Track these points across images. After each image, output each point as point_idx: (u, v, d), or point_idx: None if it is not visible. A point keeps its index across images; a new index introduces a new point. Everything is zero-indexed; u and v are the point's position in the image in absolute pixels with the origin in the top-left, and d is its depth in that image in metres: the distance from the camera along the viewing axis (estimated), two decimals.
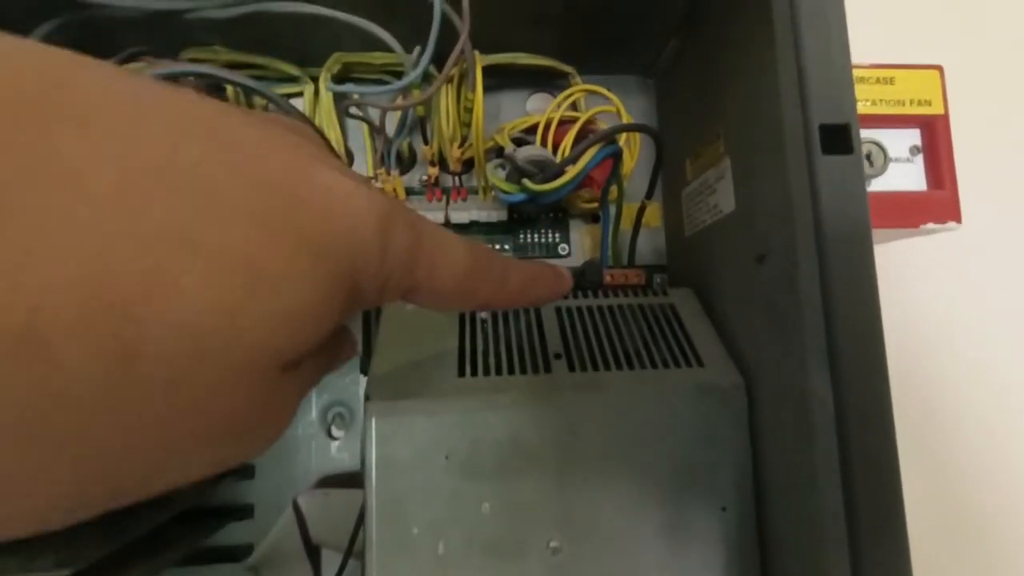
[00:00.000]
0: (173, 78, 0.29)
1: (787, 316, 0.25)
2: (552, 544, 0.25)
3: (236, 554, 0.35)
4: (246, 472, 0.36)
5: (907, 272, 0.53)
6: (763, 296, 0.27)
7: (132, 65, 0.32)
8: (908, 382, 0.51)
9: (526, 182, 0.33)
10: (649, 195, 0.37)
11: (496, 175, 0.35)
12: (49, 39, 0.31)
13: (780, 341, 0.26)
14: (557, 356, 0.29)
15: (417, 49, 0.33)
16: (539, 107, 0.41)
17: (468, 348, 0.29)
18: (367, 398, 0.26)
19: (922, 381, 0.51)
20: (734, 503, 0.26)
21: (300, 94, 0.37)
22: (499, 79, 0.40)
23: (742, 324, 0.30)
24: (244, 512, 0.35)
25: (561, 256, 0.40)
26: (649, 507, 0.26)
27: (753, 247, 0.28)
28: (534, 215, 0.40)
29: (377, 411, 0.26)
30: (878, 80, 0.38)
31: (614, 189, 0.37)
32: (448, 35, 0.31)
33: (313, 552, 0.33)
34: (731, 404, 0.28)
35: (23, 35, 0.11)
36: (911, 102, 0.38)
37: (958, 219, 0.37)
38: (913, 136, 0.39)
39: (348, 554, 0.32)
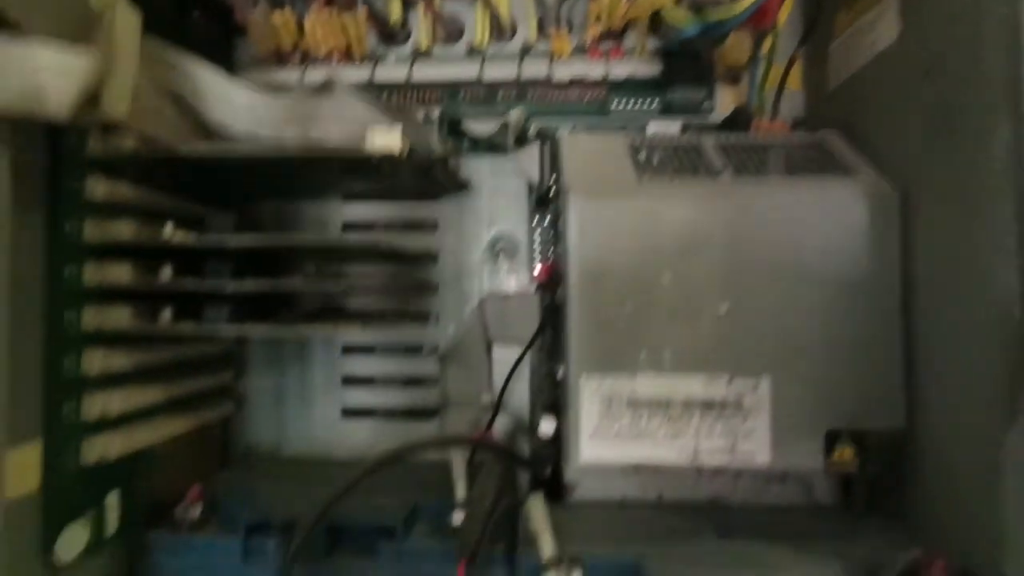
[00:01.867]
0: None
1: (959, 117, 0.27)
2: (721, 311, 0.31)
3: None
4: (432, 288, 0.43)
5: None
6: (929, 108, 0.30)
7: None
8: None
9: (704, 12, 0.36)
10: (804, 41, 0.39)
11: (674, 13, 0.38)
12: None
13: (947, 149, 0.28)
14: (723, 167, 0.33)
15: None
16: None
17: (643, 159, 0.34)
18: (566, 191, 0.31)
19: None
20: (885, 294, 0.30)
21: None
22: None
23: (895, 144, 0.33)
24: (430, 318, 0.43)
25: (704, 112, 0.43)
26: (805, 287, 0.30)
27: (920, 65, 0.30)
28: (688, 69, 0.42)
29: (576, 200, 0.31)
30: None
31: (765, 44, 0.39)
32: None
33: (488, 347, 0.40)
34: (885, 208, 0.31)
35: None
36: None
37: None
38: None
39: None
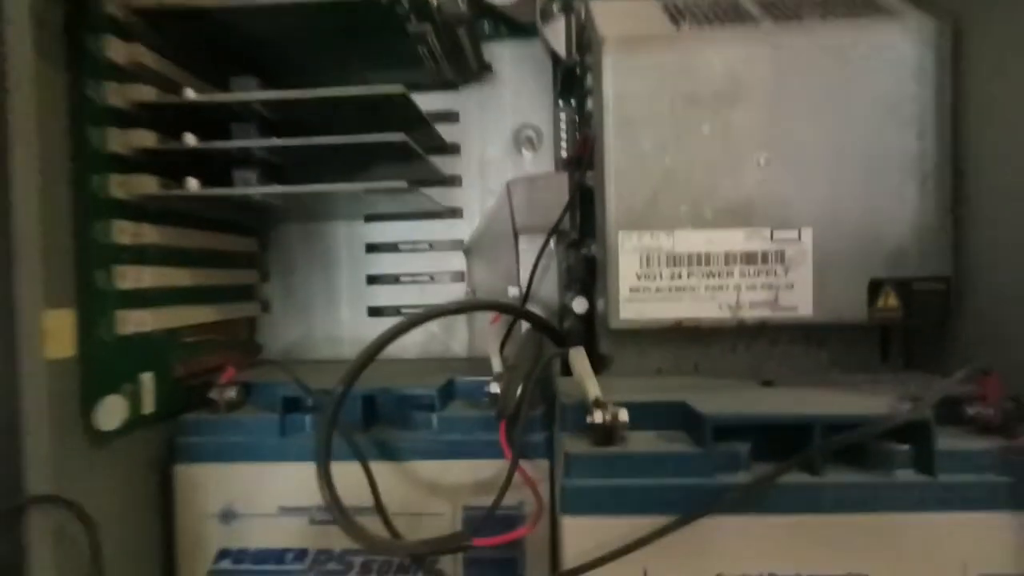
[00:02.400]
0: None
1: None
2: (762, 161, 0.30)
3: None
4: (454, 181, 0.42)
5: None
6: None
7: None
8: None
9: None
10: None
11: None
12: None
13: None
14: (761, 16, 0.32)
15: None
16: None
17: (679, 14, 0.33)
18: (600, 44, 0.30)
19: None
20: (933, 135, 0.29)
21: None
22: None
23: None
24: (455, 213, 0.42)
25: None
26: (851, 134, 0.29)
27: None
28: None
29: (611, 50, 0.30)
30: None
31: None
32: None
33: (515, 236, 0.40)
34: (936, 48, 0.30)
35: None
36: None
37: None
38: None
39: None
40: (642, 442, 0.25)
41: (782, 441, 0.25)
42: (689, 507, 0.23)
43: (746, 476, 0.24)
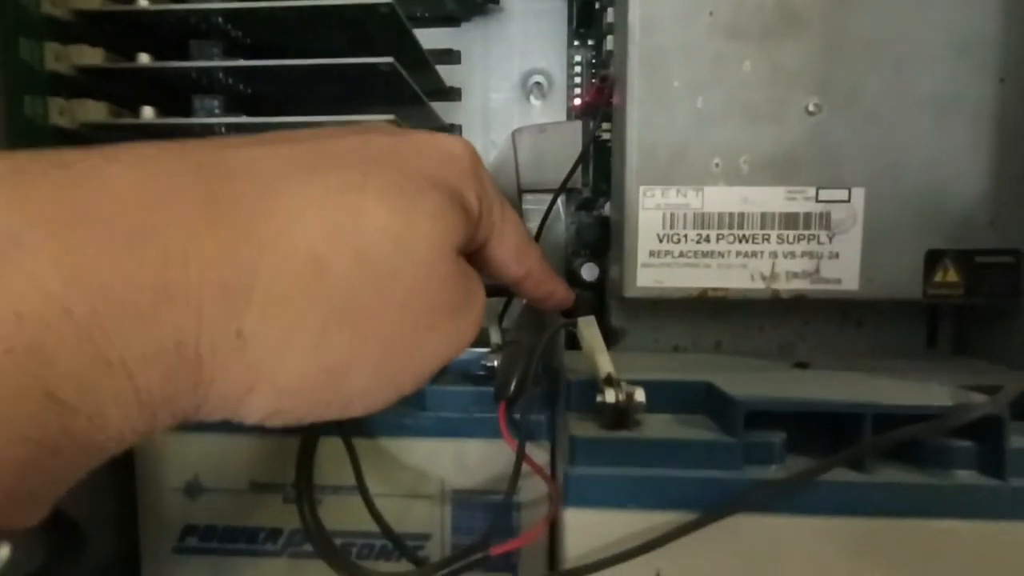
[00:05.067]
0: None
1: None
2: (811, 107, 0.26)
3: None
4: (454, 130, 0.38)
5: None
6: None
7: None
8: None
9: None
10: None
11: None
12: None
13: None
14: None
15: None
16: None
17: None
18: None
19: None
20: (1014, 76, 0.25)
21: None
22: None
23: None
24: None
25: None
26: (917, 77, 0.25)
27: None
28: None
29: None
30: None
31: None
32: None
33: (519, 192, 0.36)
34: None
35: None
36: None
37: None
38: None
39: None
40: (659, 427, 0.22)
41: (820, 433, 0.22)
42: (713, 503, 0.20)
43: (780, 471, 0.21)
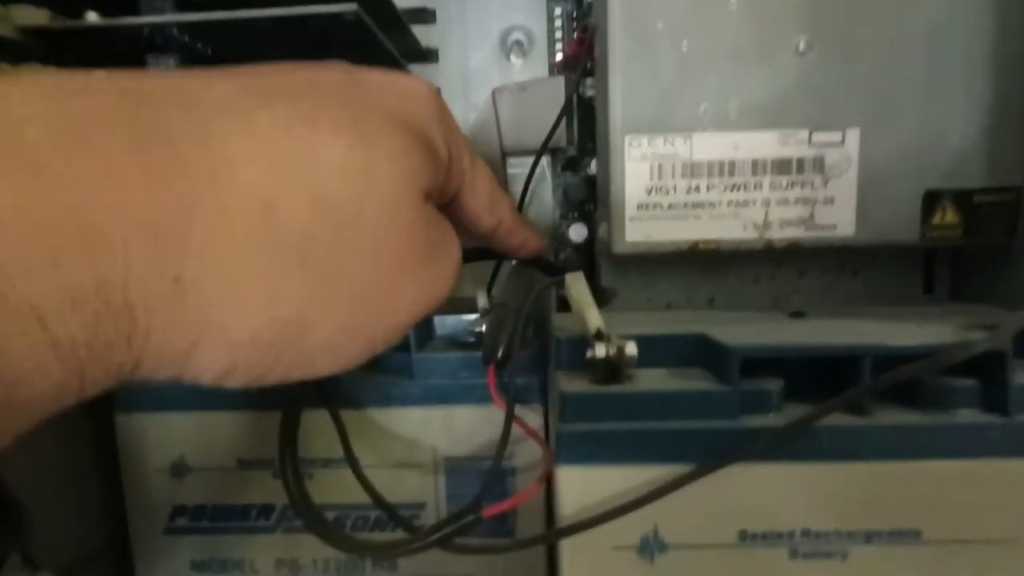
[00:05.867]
0: None
1: None
2: (801, 46, 0.25)
3: None
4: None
5: None
6: None
7: None
8: None
9: None
10: None
11: None
12: None
13: None
14: None
15: None
16: None
17: None
18: None
19: None
20: (1010, 20, 0.24)
21: None
22: None
23: None
24: None
25: None
26: (912, 10, 0.24)
27: None
28: None
29: None
30: None
31: None
32: None
33: (503, 157, 0.35)
34: None
35: None
36: None
37: None
38: None
39: None
40: (652, 380, 0.21)
41: (819, 380, 0.22)
42: (710, 454, 0.19)
43: (778, 419, 0.20)
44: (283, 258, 0.13)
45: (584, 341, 0.22)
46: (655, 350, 0.22)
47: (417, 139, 0.15)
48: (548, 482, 0.23)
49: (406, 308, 0.16)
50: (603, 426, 0.20)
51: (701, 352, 0.22)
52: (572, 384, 0.21)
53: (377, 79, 0.16)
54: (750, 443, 0.19)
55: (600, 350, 0.21)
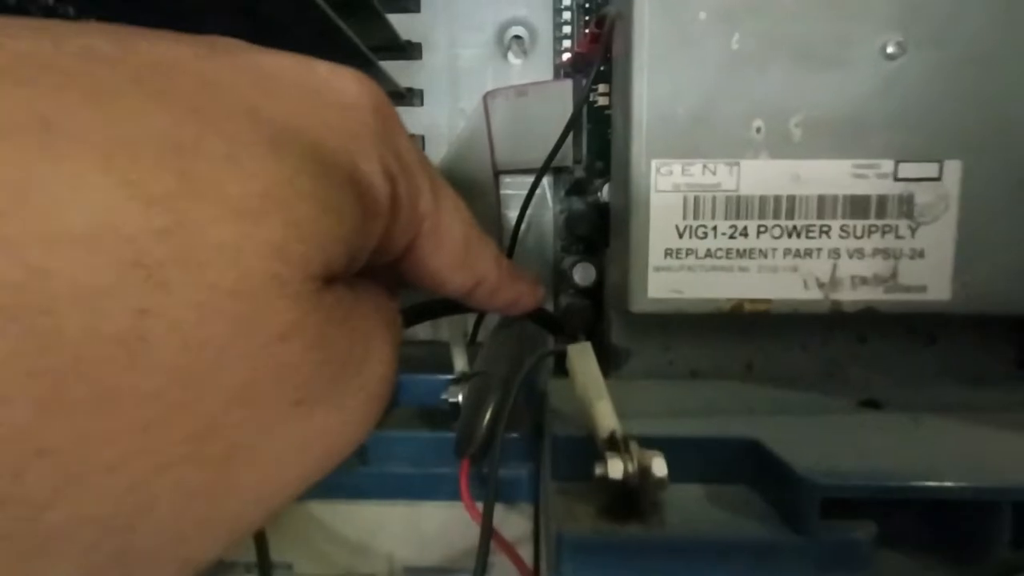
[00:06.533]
0: None
1: None
2: (890, 48, 0.19)
3: None
4: (413, 96, 0.31)
5: None
6: None
7: None
8: None
9: None
10: None
11: None
12: None
13: None
14: None
15: None
16: None
17: None
18: None
19: None
20: None
21: None
22: None
23: None
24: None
25: None
26: None
27: None
28: None
29: None
30: None
31: None
32: None
33: (495, 174, 0.29)
34: None
35: None
36: None
37: None
38: None
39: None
40: (686, 511, 0.15)
41: (913, 517, 0.16)
42: None
43: None
44: (19, 397, 0.06)
45: (590, 442, 0.17)
46: (688, 458, 0.16)
47: (317, 172, 0.09)
48: None
49: (266, 492, 0.09)
50: None
51: (753, 468, 0.16)
52: (572, 517, 0.15)
53: (276, 67, 0.10)
54: None
55: (615, 468, 0.15)
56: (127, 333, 0.07)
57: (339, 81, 0.11)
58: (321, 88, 0.10)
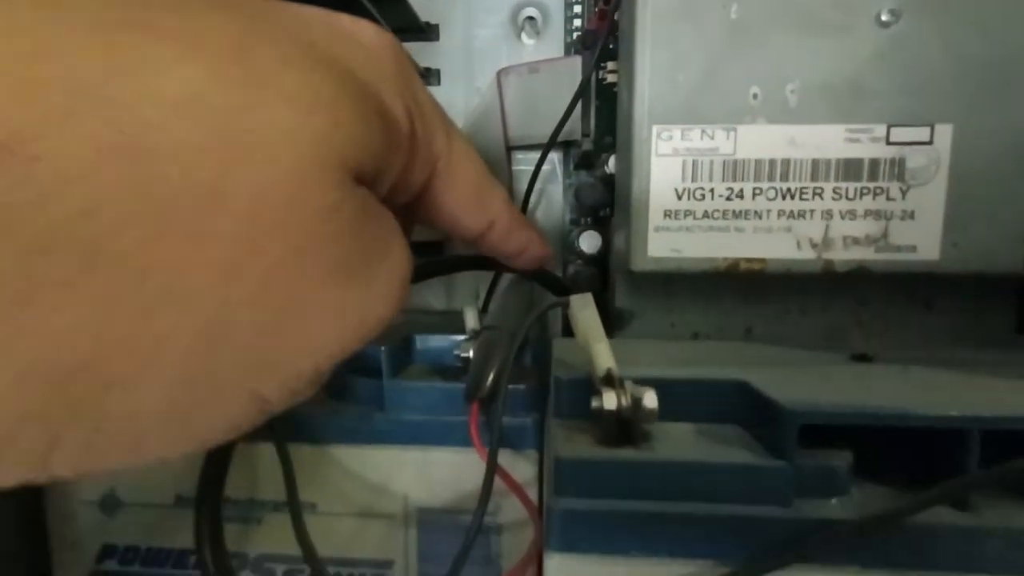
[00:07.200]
0: None
1: None
2: (884, 14, 0.20)
3: None
4: (430, 76, 0.33)
5: None
6: None
7: None
8: None
9: None
10: None
11: None
12: None
13: None
14: None
15: None
16: None
17: None
18: None
19: None
20: None
21: None
22: None
23: None
24: None
25: None
26: None
27: None
28: None
29: None
30: None
31: None
32: None
33: (507, 149, 0.30)
34: None
35: None
36: None
37: None
38: None
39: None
40: (677, 442, 0.17)
41: (888, 448, 0.17)
42: (754, 552, 0.14)
43: (845, 506, 0.15)
44: (49, 257, 0.07)
45: (590, 384, 0.18)
46: (681, 399, 0.17)
47: (354, 91, 0.10)
48: (539, 563, 0.18)
49: (313, 346, 0.10)
50: (609, 504, 0.15)
51: (741, 407, 0.17)
52: (571, 444, 0.16)
53: (308, 13, 0.11)
54: (810, 540, 0.14)
55: (609, 400, 0.16)
56: (213, 183, 0.08)
57: (362, 30, 0.12)
58: (347, 33, 0.12)
